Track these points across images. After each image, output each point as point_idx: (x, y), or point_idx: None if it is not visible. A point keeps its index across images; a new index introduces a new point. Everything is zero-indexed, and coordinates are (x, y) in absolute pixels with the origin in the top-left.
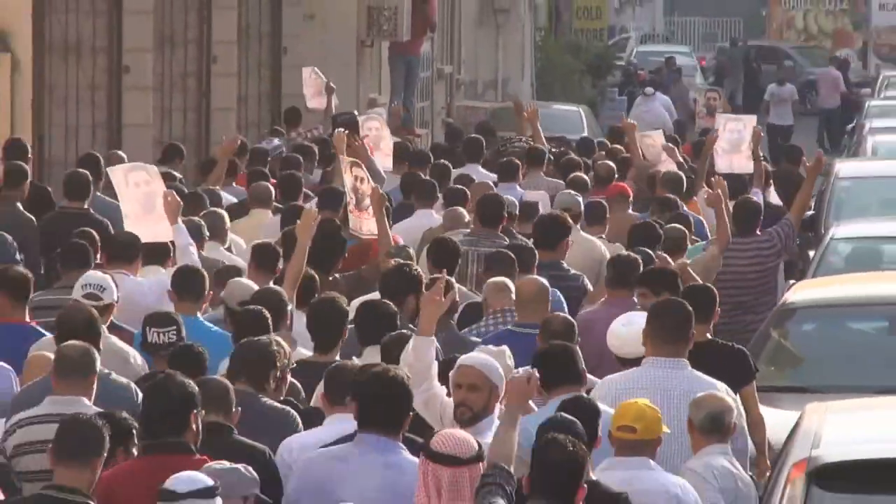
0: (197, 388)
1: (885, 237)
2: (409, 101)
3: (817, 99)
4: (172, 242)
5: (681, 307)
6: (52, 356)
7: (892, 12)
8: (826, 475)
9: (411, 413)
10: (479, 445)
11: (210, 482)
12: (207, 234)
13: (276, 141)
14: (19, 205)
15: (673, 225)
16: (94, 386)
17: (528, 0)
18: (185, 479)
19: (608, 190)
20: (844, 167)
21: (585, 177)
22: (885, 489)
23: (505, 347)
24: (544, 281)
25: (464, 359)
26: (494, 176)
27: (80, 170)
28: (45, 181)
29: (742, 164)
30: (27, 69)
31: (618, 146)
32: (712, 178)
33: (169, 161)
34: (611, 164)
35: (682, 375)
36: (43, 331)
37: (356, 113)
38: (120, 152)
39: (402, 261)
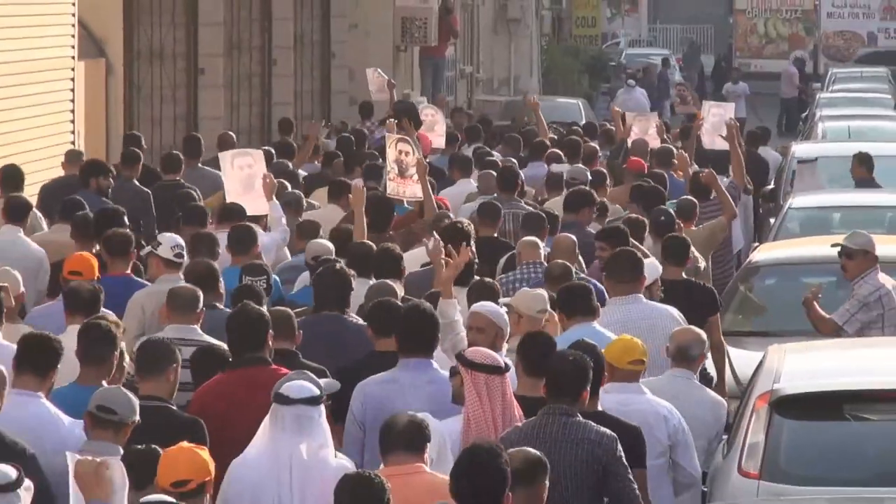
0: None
1: (834, 206)
2: (437, 94)
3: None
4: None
5: (632, 254)
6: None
7: (837, 20)
8: (785, 405)
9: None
10: (505, 363)
11: (317, 392)
12: (305, 203)
13: (377, 135)
14: (136, 181)
15: (686, 197)
16: (200, 320)
17: (535, 11)
18: (297, 387)
19: (629, 163)
20: (799, 148)
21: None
22: (834, 417)
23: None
24: (573, 238)
25: (476, 306)
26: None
27: (174, 151)
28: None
29: (723, 142)
30: (119, 72)
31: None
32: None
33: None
34: (594, 145)
35: (639, 307)
36: (142, 280)
37: (414, 102)
38: (230, 132)
39: (454, 218)
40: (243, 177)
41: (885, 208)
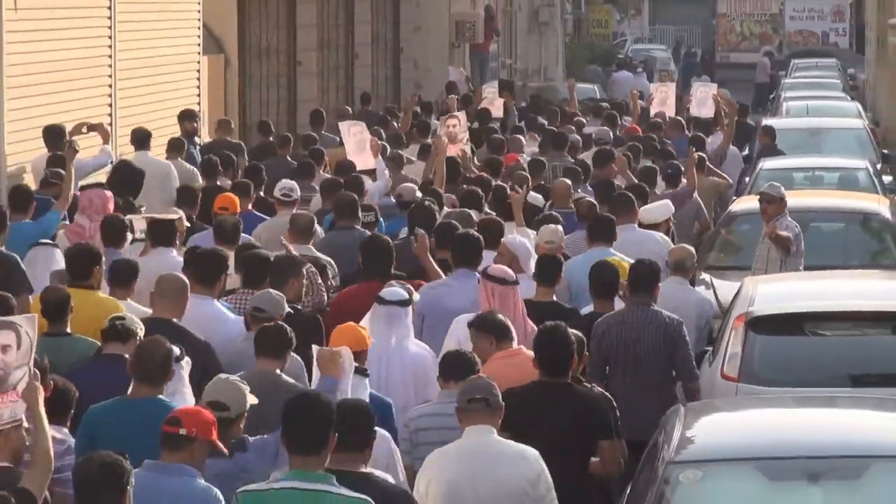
0: None
1: (795, 168)
2: (484, 81)
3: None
4: None
5: (628, 197)
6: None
7: (798, 21)
8: (758, 324)
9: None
10: (517, 279)
11: (406, 296)
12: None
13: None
14: (288, 157)
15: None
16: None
17: (560, 16)
18: (391, 292)
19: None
20: (769, 123)
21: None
22: (797, 332)
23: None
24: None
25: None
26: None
27: (286, 133)
28: (245, 142)
29: (707, 111)
30: (234, 65)
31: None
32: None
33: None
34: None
35: (633, 233)
36: (261, 215)
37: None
38: (347, 107)
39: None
40: (357, 140)
41: (833, 169)
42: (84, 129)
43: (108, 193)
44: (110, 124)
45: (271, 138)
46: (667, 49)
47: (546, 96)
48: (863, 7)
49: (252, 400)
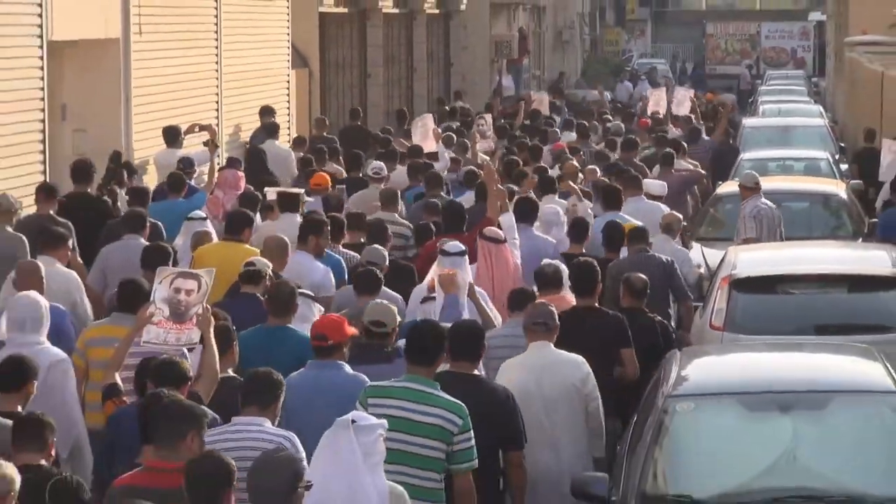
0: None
1: (769, 158)
2: (519, 89)
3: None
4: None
5: (636, 177)
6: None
7: (772, 40)
8: (739, 284)
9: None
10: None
11: (463, 248)
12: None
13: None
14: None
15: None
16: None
17: (580, 36)
18: (453, 245)
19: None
20: (748, 121)
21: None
22: (772, 291)
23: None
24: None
25: None
26: None
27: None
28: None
29: (683, 110)
30: (317, 78)
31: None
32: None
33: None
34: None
35: (637, 204)
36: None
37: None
38: (405, 108)
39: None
40: (423, 131)
41: (800, 159)
42: (196, 129)
43: (240, 173)
44: (217, 124)
45: (359, 122)
46: (666, 62)
47: (570, 100)
48: (824, 29)
49: (398, 318)
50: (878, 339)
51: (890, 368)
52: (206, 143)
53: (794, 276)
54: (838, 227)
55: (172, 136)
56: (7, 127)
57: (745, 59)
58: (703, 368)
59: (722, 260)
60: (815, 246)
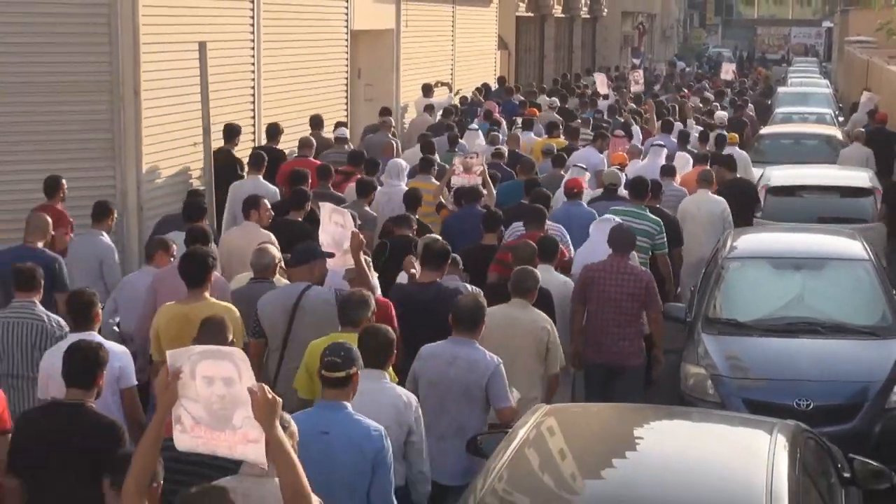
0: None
1: (794, 112)
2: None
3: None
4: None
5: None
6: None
7: (798, 38)
8: (772, 191)
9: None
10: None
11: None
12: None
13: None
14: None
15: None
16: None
17: (676, 32)
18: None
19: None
20: (781, 89)
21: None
22: (792, 195)
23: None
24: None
25: None
26: None
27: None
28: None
29: (728, 77)
30: (513, 58)
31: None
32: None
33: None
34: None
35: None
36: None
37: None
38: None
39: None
40: (600, 79)
41: (813, 113)
42: (439, 85)
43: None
44: (451, 86)
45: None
46: (729, 50)
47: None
48: (832, 32)
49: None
50: (857, 227)
51: (865, 245)
52: (444, 85)
53: (805, 186)
54: (835, 155)
55: (426, 89)
56: (324, 83)
57: (780, 50)
58: (746, 241)
59: (760, 176)
60: (820, 167)
